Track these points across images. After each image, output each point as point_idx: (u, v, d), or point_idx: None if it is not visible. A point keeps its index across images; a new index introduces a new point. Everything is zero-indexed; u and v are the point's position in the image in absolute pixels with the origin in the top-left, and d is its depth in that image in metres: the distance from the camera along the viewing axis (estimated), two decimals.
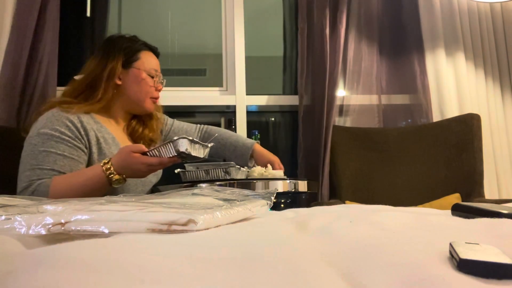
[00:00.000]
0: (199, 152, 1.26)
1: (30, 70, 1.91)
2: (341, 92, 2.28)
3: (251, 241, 0.55)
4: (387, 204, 1.03)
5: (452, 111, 2.17)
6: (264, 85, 2.58)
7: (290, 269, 0.41)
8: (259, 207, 0.80)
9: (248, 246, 0.51)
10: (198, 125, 1.75)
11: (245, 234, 0.59)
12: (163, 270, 0.39)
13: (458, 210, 0.77)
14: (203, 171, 1.46)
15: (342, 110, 2.27)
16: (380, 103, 2.29)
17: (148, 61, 1.49)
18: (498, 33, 2.31)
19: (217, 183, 1.38)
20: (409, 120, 2.31)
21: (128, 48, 1.47)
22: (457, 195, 1.85)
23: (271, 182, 1.43)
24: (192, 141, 1.22)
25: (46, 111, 1.36)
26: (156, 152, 1.22)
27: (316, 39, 2.21)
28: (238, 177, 1.45)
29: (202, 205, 0.69)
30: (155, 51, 1.55)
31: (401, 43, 2.34)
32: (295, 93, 2.29)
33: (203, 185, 1.35)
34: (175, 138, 1.21)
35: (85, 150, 1.33)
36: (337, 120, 2.25)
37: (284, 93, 2.54)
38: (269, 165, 1.51)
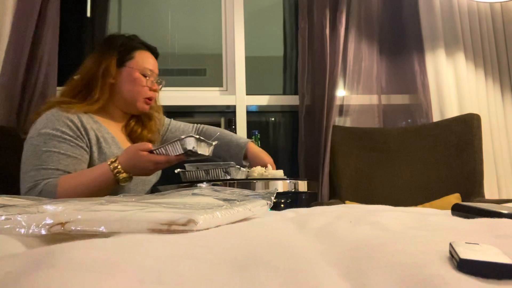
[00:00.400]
0: (204, 150, 1.29)
1: (30, 70, 1.91)
2: (341, 92, 2.28)
3: (251, 241, 0.55)
4: (387, 204, 1.03)
5: (452, 111, 2.17)
6: (264, 85, 2.58)
7: (290, 269, 0.41)
8: (259, 207, 0.79)
9: (248, 246, 0.51)
10: (195, 125, 1.75)
11: (245, 234, 0.59)
12: (163, 270, 0.39)
13: (458, 210, 0.77)
14: (203, 171, 1.46)
15: (342, 110, 2.27)
16: (380, 103, 2.29)
17: (143, 60, 1.47)
18: (498, 33, 2.31)
19: (218, 183, 1.38)
20: (409, 120, 2.31)
21: (123, 47, 1.45)
22: (457, 195, 1.85)
23: (271, 182, 1.43)
24: (198, 139, 1.25)
25: (45, 112, 1.35)
26: (163, 150, 1.25)
27: (316, 39, 2.22)
28: (238, 177, 1.45)
29: (202, 205, 0.69)
30: (153, 51, 1.53)
31: (401, 43, 2.34)
32: (295, 93, 2.29)
33: (203, 185, 1.36)
34: (183, 136, 1.23)
35: (87, 149, 1.32)
36: (337, 120, 2.25)
37: (284, 93, 2.54)
38: (269, 165, 1.51)
